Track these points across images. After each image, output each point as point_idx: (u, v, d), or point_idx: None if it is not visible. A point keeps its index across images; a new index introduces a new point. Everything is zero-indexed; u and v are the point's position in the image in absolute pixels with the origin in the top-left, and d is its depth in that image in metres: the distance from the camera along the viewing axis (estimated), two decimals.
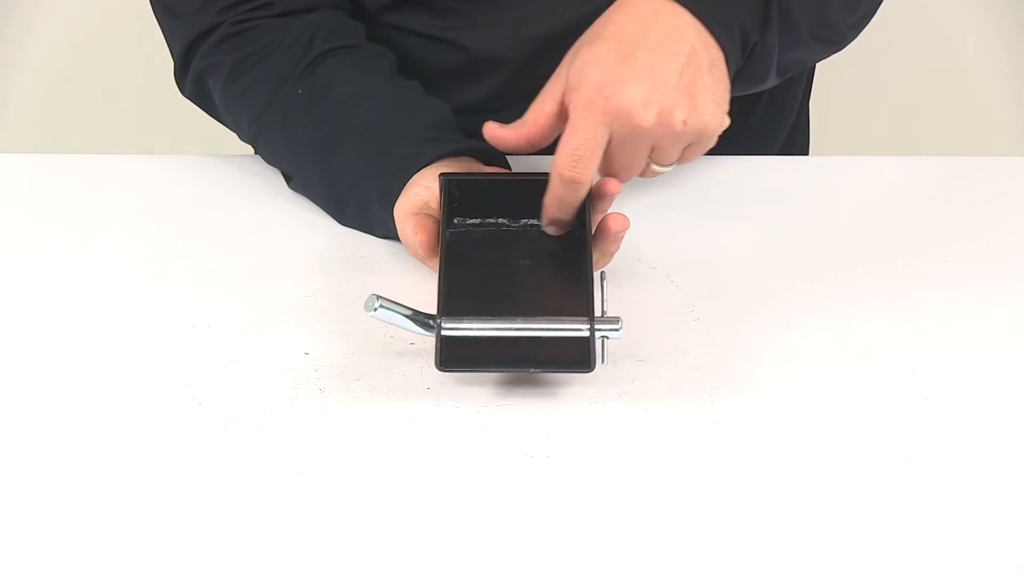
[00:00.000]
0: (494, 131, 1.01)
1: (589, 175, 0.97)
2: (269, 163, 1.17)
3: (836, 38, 1.13)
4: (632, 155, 0.98)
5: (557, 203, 0.98)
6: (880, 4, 1.16)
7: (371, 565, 0.81)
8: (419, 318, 0.93)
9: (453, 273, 0.96)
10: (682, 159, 1.01)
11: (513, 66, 1.22)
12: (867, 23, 1.16)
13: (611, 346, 0.94)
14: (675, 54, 0.98)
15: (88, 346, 0.98)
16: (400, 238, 1.04)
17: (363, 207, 1.09)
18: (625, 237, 1.01)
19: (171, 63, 1.20)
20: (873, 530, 0.83)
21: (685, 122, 0.97)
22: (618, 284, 1.04)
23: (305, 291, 1.04)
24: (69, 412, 0.92)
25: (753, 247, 1.10)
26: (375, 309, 0.93)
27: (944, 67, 2.05)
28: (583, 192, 0.98)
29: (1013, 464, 0.89)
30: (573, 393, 0.94)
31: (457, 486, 0.87)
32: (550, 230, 1.00)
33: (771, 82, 1.08)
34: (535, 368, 0.93)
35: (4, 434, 0.91)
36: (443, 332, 0.92)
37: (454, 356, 0.92)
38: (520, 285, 0.97)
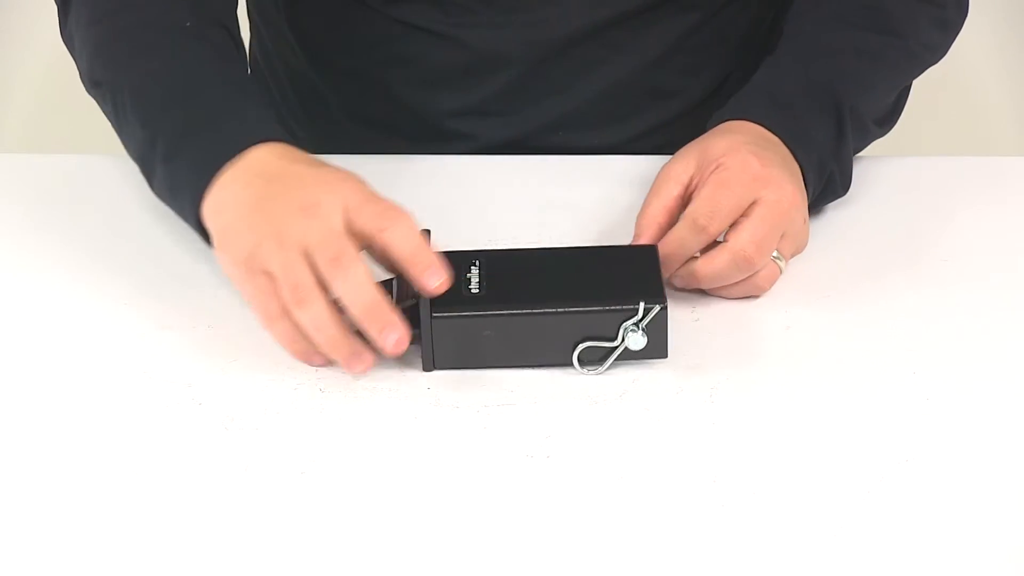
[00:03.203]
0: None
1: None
2: (94, 56, 1.10)
3: (889, 114, 1.17)
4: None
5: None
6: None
7: (371, 565, 0.81)
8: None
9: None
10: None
11: (517, 69, 1.21)
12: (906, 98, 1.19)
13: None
14: None
15: (88, 346, 0.98)
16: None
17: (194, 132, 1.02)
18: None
19: None
20: (873, 530, 0.83)
21: None
22: None
23: None
24: (69, 412, 0.92)
25: None
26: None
27: (944, 67, 2.04)
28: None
29: (1013, 464, 0.89)
30: (573, 393, 0.94)
31: (457, 486, 0.87)
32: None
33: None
34: None
35: (5, 434, 0.91)
36: None
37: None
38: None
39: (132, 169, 1.10)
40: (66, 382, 0.95)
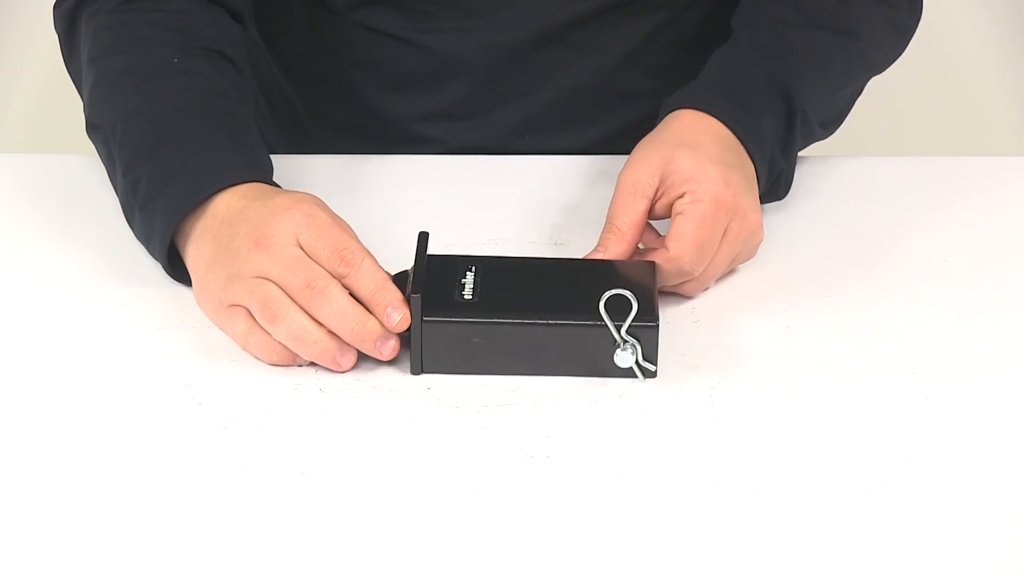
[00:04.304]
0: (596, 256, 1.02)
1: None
2: (90, 100, 1.12)
3: (835, 118, 1.18)
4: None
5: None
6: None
7: (371, 565, 0.81)
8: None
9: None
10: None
11: (480, 73, 1.21)
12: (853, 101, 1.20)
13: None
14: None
15: (88, 346, 0.98)
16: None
17: (174, 177, 1.03)
18: None
19: None
20: (873, 530, 0.83)
21: None
22: None
23: None
24: (70, 412, 0.92)
25: None
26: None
27: (944, 67, 2.05)
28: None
29: (1013, 464, 0.89)
30: (573, 393, 0.94)
31: (457, 486, 0.87)
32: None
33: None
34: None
35: (5, 434, 0.91)
36: None
37: None
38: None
39: None
40: (66, 382, 0.95)
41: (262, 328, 0.95)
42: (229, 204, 1.00)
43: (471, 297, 0.95)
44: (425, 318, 0.94)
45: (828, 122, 1.16)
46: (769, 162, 1.07)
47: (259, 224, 0.96)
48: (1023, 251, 1.10)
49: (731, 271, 1.05)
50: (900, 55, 1.20)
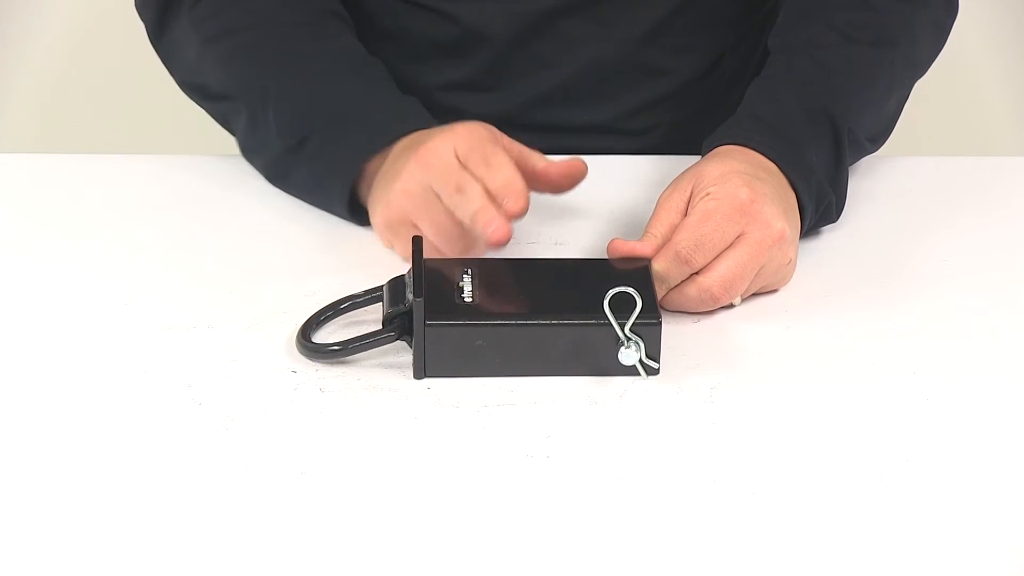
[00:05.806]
0: (621, 247, 1.01)
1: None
2: (218, 76, 1.16)
3: (884, 129, 1.17)
4: None
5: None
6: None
7: (371, 565, 0.81)
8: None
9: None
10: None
11: (503, 43, 1.22)
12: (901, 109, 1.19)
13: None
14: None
15: (88, 346, 0.98)
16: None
17: (341, 130, 1.10)
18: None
19: None
20: (873, 530, 0.83)
21: None
22: None
23: (305, 291, 1.03)
24: (70, 412, 0.92)
25: None
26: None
27: (944, 67, 2.04)
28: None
29: (1013, 464, 0.89)
30: (573, 393, 0.94)
31: (457, 486, 0.87)
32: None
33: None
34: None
35: (5, 434, 0.91)
36: None
37: None
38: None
39: (132, 168, 1.10)
40: (66, 382, 0.95)
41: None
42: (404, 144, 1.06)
43: (471, 300, 0.95)
44: (428, 322, 0.93)
45: (878, 135, 1.15)
46: (816, 194, 1.06)
47: (428, 140, 1.03)
48: (1023, 251, 1.10)
49: (770, 292, 1.04)
50: (940, 51, 1.19)
